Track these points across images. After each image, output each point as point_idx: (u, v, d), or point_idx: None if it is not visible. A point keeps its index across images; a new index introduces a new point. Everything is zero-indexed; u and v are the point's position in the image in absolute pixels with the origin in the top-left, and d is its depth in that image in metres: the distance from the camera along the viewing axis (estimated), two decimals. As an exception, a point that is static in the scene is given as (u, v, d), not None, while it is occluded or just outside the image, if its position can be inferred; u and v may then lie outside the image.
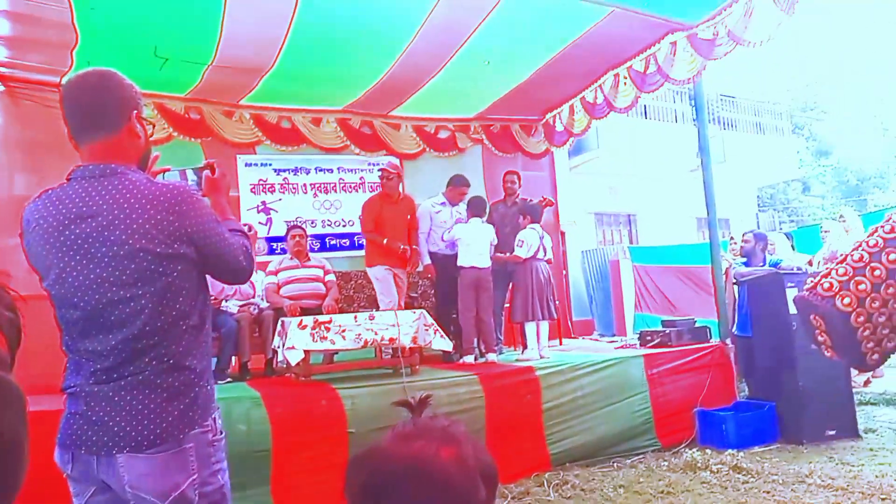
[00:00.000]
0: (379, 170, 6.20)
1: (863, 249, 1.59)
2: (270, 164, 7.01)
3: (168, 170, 1.86)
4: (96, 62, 5.95)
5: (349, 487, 0.89)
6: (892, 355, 1.60)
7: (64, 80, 1.71)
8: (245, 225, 1.94)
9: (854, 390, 5.66)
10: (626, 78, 6.39)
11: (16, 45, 5.27)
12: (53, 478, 1.70)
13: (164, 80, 5.89)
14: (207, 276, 1.78)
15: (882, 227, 1.58)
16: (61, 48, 5.15)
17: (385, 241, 5.76)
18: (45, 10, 4.55)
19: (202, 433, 1.66)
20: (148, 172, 1.76)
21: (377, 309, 5.57)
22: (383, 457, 0.88)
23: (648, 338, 6.11)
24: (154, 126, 1.87)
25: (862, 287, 1.55)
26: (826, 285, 1.62)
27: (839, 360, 1.80)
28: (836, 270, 1.62)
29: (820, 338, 1.69)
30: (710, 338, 6.01)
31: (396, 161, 6.47)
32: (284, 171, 7.13)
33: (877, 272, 1.55)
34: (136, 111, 1.70)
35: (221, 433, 1.75)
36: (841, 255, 1.65)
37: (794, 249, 7.54)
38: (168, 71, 5.64)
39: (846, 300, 1.57)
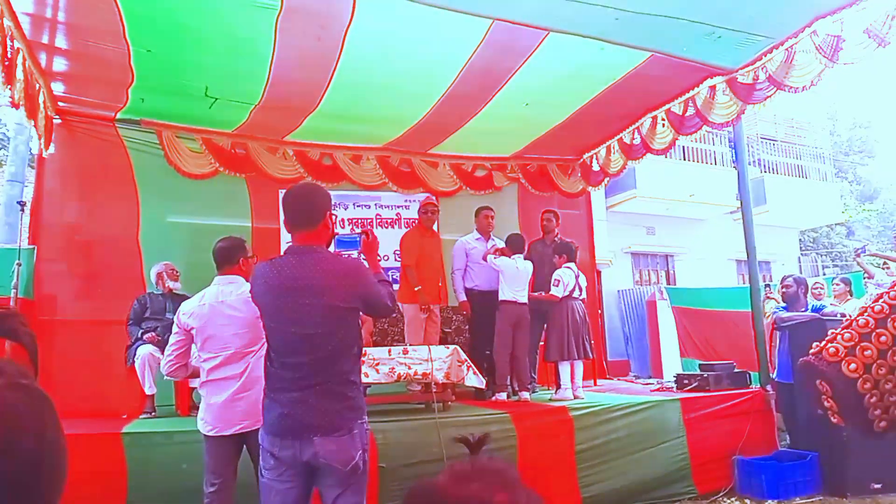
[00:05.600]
0: (420, 204, 6.26)
1: (868, 315, 1.56)
2: (310, 200, 7.13)
3: (336, 233, 2.63)
4: (150, 100, 6.20)
5: None
6: None
7: (286, 190, 2.69)
8: (389, 277, 2.74)
9: (901, 442, 5.45)
10: (663, 120, 6.42)
11: (74, 80, 5.53)
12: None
13: (213, 118, 6.13)
14: None
15: (888, 292, 1.55)
16: (118, 85, 5.42)
17: (417, 288, 5.81)
18: (104, 50, 4.78)
19: (361, 423, 2.42)
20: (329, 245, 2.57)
21: (410, 343, 5.59)
22: (439, 495, 0.86)
23: (685, 381, 6.00)
24: (336, 218, 2.67)
25: (868, 353, 1.52)
26: (832, 350, 1.58)
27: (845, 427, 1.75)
28: (842, 335, 1.58)
29: (826, 403, 1.65)
30: (750, 383, 5.88)
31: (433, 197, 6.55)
32: (324, 206, 7.25)
33: (882, 338, 1.51)
34: (329, 212, 2.52)
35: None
36: (847, 319, 1.62)
37: (851, 295, 7.30)
38: (217, 109, 5.86)
39: (852, 366, 1.54)
